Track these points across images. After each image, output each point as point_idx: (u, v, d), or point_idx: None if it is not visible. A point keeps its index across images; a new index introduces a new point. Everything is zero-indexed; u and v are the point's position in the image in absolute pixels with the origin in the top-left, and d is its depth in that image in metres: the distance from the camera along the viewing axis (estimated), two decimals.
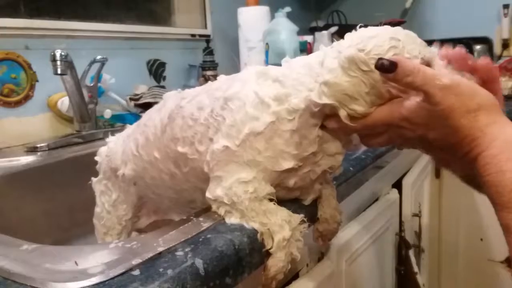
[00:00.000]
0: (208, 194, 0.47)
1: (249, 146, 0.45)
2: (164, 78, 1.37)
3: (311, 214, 0.52)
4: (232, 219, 0.45)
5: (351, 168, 0.67)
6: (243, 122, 0.45)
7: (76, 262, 0.38)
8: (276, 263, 0.43)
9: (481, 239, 1.27)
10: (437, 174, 1.31)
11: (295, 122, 0.44)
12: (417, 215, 1.07)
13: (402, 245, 0.95)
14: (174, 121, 0.51)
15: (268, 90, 0.45)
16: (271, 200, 0.46)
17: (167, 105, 0.54)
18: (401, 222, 0.97)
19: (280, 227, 0.44)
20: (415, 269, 0.95)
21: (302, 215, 0.46)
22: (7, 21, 0.96)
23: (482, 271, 1.27)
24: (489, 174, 0.37)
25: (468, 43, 1.53)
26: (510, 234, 0.35)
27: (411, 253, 0.96)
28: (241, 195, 0.44)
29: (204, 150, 0.48)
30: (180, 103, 0.52)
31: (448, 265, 1.33)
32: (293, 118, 0.44)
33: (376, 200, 0.88)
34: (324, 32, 1.54)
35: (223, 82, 0.51)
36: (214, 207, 0.46)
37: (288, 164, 0.45)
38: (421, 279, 0.96)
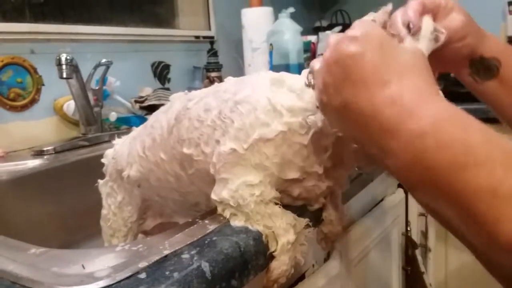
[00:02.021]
0: (213, 196, 0.47)
1: (257, 150, 0.44)
2: (169, 80, 1.38)
3: (316, 216, 0.52)
4: (237, 222, 0.45)
5: (356, 168, 0.67)
6: (253, 127, 0.45)
7: (83, 266, 0.39)
8: (280, 266, 0.43)
9: None
10: None
11: (307, 137, 0.44)
12: (424, 214, 1.06)
13: (408, 245, 0.95)
14: (180, 123, 0.52)
15: (282, 99, 0.45)
16: (276, 203, 0.46)
17: (174, 107, 0.54)
18: (407, 222, 0.97)
19: (285, 231, 0.44)
20: (422, 268, 0.95)
21: (307, 219, 0.46)
22: (13, 25, 0.97)
23: None
24: None
25: None
26: None
27: (417, 252, 0.96)
28: (247, 198, 0.44)
29: (210, 152, 0.48)
30: (187, 104, 0.52)
31: (455, 264, 1.32)
32: (305, 133, 0.44)
33: (382, 200, 0.87)
34: (328, 32, 1.54)
35: (231, 84, 0.51)
36: (219, 209, 0.47)
37: (293, 174, 0.45)
38: (428, 278, 0.96)
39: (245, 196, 0.44)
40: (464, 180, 0.28)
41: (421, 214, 1.05)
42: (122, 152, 0.61)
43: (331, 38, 0.37)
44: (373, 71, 0.33)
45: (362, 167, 0.49)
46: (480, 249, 0.29)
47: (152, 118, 0.59)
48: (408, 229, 0.96)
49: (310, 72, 0.40)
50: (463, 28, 0.45)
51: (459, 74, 0.52)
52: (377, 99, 0.32)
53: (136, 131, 0.63)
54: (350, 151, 0.46)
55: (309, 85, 0.41)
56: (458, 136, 0.29)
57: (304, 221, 0.46)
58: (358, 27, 0.35)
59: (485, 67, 0.49)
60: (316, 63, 0.39)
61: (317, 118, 0.44)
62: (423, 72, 0.34)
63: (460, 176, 0.28)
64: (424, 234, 1.09)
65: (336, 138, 0.45)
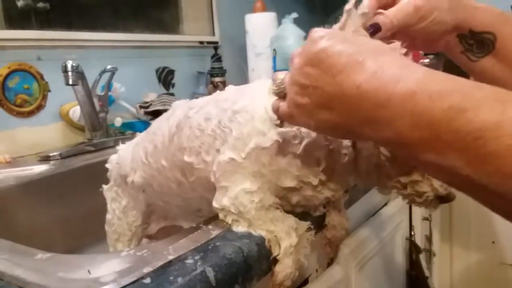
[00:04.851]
0: (214, 204, 0.47)
1: (254, 158, 0.45)
2: (173, 86, 1.39)
3: (318, 221, 0.52)
4: (240, 228, 0.46)
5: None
6: (250, 136, 0.45)
7: (89, 271, 0.39)
8: (284, 269, 0.44)
9: (493, 242, 1.26)
10: None
11: (300, 147, 0.45)
12: (428, 219, 1.06)
13: (412, 249, 0.95)
14: (181, 131, 0.52)
15: None
16: (277, 208, 0.46)
17: (176, 114, 0.55)
18: (411, 226, 0.97)
19: (287, 234, 0.44)
20: (426, 273, 0.95)
21: (308, 222, 0.47)
22: (20, 33, 0.98)
23: (494, 275, 1.26)
24: None
25: None
26: None
27: (422, 257, 0.96)
28: (247, 205, 0.45)
29: (211, 161, 0.49)
30: (188, 113, 0.53)
31: (460, 269, 1.32)
32: (298, 143, 0.45)
33: (386, 204, 0.88)
34: None
35: (231, 93, 0.52)
36: (221, 216, 0.47)
37: (289, 182, 0.46)
38: (432, 283, 0.96)
39: (245, 203, 0.45)
40: (467, 123, 0.28)
41: (425, 219, 1.05)
42: (126, 157, 0.62)
43: (295, 50, 0.38)
44: (347, 58, 0.33)
45: (354, 180, 0.50)
46: (492, 188, 0.29)
47: (155, 124, 0.60)
48: (412, 233, 0.96)
49: (276, 82, 0.40)
50: (425, 6, 0.43)
51: (451, 53, 0.49)
52: (359, 80, 0.32)
53: (139, 136, 0.63)
54: (341, 164, 0.47)
55: (278, 93, 0.40)
56: (449, 87, 0.30)
57: (305, 224, 0.46)
58: (319, 31, 0.37)
59: (477, 42, 0.45)
60: (280, 74, 0.40)
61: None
62: (394, 52, 0.35)
63: (462, 119, 0.28)
64: (428, 239, 1.09)
65: (328, 150, 0.45)
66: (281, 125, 0.43)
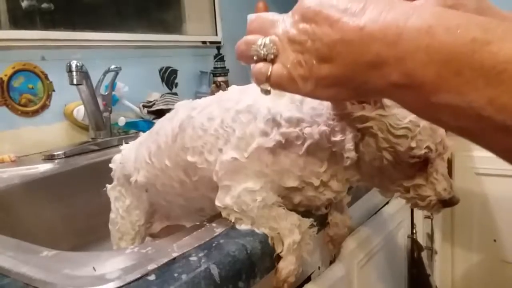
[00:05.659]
0: (217, 203, 0.48)
1: (257, 158, 0.46)
2: (176, 85, 1.39)
3: (321, 218, 0.52)
4: (243, 226, 0.46)
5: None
6: (253, 136, 0.46)
7: (94, 268, 0.40)
8: (287, 266, 0.44)
9: (494, 240, 1.26)
10: (449, 174, 1.30)
11: (303, 148, 0.45)
12: (429, 217, 1.07)
13: (414, 248, 0.95)
14: (184, 131, 0.53)
15: (282, 109, 0.46)
16: (280, 206, 0.47)
17: (179, 115, 0.55)
18: (412, 225, 0.97)
19: (290, 231, 0.45)
20: (428, 271, 0.95)
21: (311, 219, 0.47)
22: (24, 33, 0.99)
23: (496, 272, 1.26)
24: None
25: None
26: None
27: (423, 255, 0.96)
28: (250, 204, 0.45)
29: (213, 160, 0.49)
30: (191, 113, 0.53)
31: (461, 267, 1.32)
32: (301, 143, 0.45)
33: (387, 202, 0.88)
34: None
35: (234, 93, 0.52)
36: (224, 214, 0.48)
37: (291, 182, 0.46)
38: (434, 281, 0.96)
39: (248, 202, 0.45)
40: (491, 56, 0.25)
41: (427, 217, 1.05)
42: (129, 157, 0.63)
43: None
44: (345, 5, 0.31)
45: (356, 182, 0.50)
46: None
47: (158, 124, 0.60)
48: (414, 231, 0.96)
49: (263, 43, 0.36)
50: None
51: None
52: (363, 21, 0.30)
53: (142, 137, 0.64)
54: (343, 167, 0.46)
55: (267, 54, 0.36)
56: (467, 20, 0.27)
57: (308, 221, 0.47)
58: None
59: None
60: (260, 37, 0.37)
61: (313, 130, 0.45)
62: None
63: (486, 52, 0.25)
64: (430, 237, 1.09)
65: (331, 153, 0.46)
66: (270, 91, 0.37)
